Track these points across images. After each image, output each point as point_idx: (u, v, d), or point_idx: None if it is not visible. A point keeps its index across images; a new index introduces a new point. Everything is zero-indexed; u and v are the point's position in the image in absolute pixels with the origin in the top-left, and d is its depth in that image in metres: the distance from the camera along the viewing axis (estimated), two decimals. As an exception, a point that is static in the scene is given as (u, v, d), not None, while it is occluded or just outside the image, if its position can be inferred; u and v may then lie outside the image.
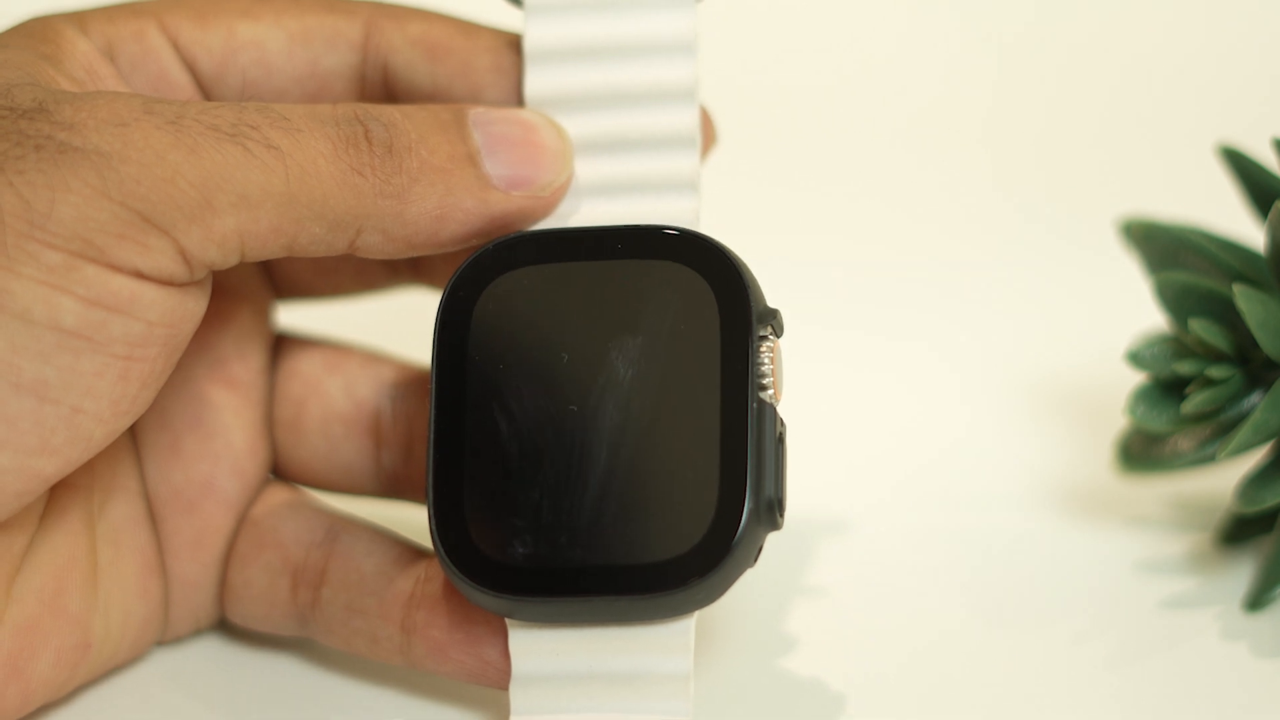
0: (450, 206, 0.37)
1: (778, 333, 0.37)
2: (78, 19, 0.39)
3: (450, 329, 0.38)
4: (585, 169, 0.39)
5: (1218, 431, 0.44)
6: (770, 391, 0.36)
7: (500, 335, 0.38)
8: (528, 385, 0.37)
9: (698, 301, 0.37)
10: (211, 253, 0.35)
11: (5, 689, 0.37)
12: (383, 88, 0.41)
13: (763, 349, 0.37)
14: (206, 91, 0.40)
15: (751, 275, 0.37)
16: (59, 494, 0.38)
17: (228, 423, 0.41)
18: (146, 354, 0.35)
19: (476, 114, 0.38)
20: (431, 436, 0.37)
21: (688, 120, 0.39)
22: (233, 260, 0.36)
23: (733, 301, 0.37)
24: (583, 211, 0.39)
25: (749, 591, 0.40)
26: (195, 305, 0.36)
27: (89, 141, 0.35)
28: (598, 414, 0.37)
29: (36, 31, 0.38)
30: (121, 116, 0.35)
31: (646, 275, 0.37)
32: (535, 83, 0.40)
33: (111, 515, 0.40)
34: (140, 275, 0.35)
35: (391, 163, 0.37)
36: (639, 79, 0.39)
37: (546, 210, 0.39)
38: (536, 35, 0.40)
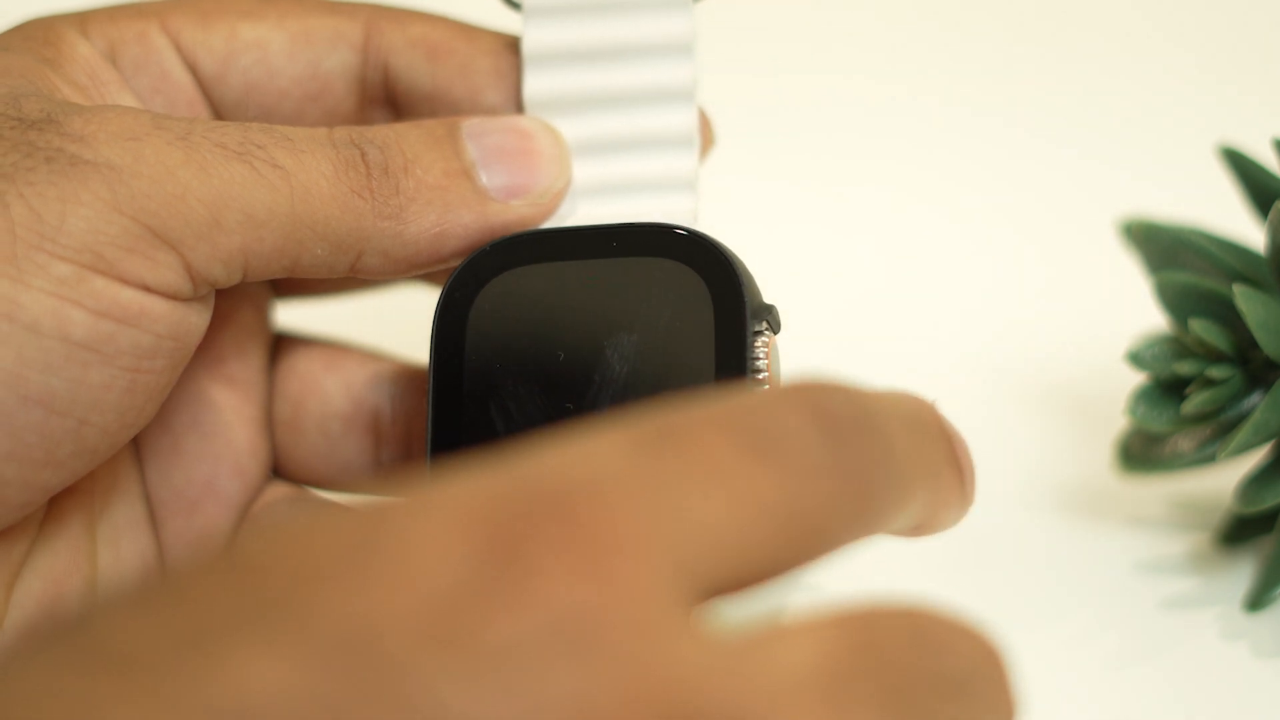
0: (450, 223, 0.37)
1: (774, 328, 0.37)
2: (79, 21, 0.39)
3: (447, 330, 0.38)
4: (585, 171, 0.39)
5: (1218, 431, 0.44)
6: (766, 386, 0.36)
7: (496, 335, 0.38)
8: (524, 384, 0.37)
9: (693, 297, 0.37)
10: (216, 270, 0.35)
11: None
12: (383, 89, 0.41)
13: (758, 344, 0.37)
14: (208, 92, 0.40)
15: (747, 271, 0.37)
16: (59, 499, 0.38)
17: (228, 422, 0.41)
18: (153, 366, 0.35)
19: (470, 126, 0.38)
20: (429, 437, 0.37)
21: (686, 120, 0.39)
22: (235, 279, 0.36)
23: (727, 297, 0.37)
24: (581, 213, 0.39)
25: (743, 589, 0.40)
26: (199, 319, 0.36)
27: (100, 155, 0.35)
28: (593, 412, 0.37)
29: (38, 34, 0.38)
30: (132, 131, 0.35)
31: (641, 272, 0.37)
32: (534, 85, 0.40)
33: (112, 518, 0.39)
34: (147, 289, 0.35)
35: (388, 184, 0.37)
36: (637, 80, 0.39)
37: (546, 216, 0.39)
38: (535, 38, 0.40)
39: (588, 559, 0.24)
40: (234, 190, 0.35)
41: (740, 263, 0.37)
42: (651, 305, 0.37)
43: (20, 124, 0.35)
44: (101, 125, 0.35)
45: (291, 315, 0.44)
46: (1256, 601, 0.43)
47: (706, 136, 0.40)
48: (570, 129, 0.39)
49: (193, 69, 0.40)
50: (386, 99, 0.41)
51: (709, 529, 0.25)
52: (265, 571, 0.24)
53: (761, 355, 0.37)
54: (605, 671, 0.23)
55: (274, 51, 0.40)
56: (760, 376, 0.36)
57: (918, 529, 0.31)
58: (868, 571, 0.45)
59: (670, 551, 0.25)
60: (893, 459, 0.28)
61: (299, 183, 0.36)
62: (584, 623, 0.24)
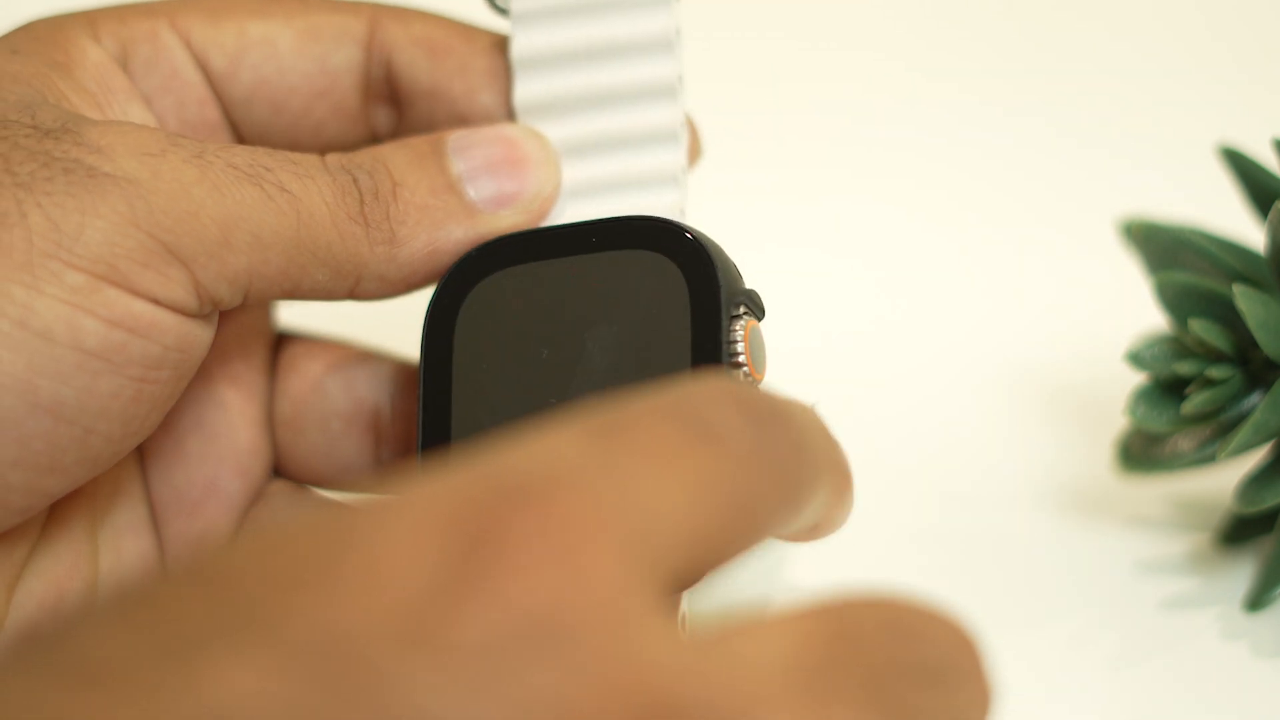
0: (441, 240, 0.38)
1: (755, 313, 0.37)
2: (89, 22, 0.39)
3: (436, 335, 0.38)
4: (575, 171, 0.40)
5: (1218, 431, 0.44)
6: (745, 369, 0.36)
7: (483, 336, 0.38)
8: (510, 383, 0.38)
9: (669, 286, 0.37)
10: (222, 289, 0.36)
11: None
12: (386, 85, 0.41)
13: (735, 328, 0.37)
14: (218, 90, 0.40)
15: (724, 256, 0.37)
16: (62, 502, 0.38)
17: (232, 422, 0.41)
18: (160, 377, 0.36)
19: (455, 140, 0.39)
20: (419, 437, 0.38)
21: (670, 116, 0.40)
22: (237, 300, 0.36)
23: (702, 283, 0.37)
24: (570, 213, 0.40)
25: (739, 589, 0.40)
26: (204, 334, 0.36)
27: (119, 168, 0.35)
28: (576, 405, 0.37)
29: (47, 37, 0.38)
30: (149, 146, 0.35)
31: (620, 265, 0.38)
32: (524, 90, 0.40)
33: (114, 520, 0.40)
34: (157, 303, 0.35)
35: (379, 209, 0.37)
36: (621, 79, 0.40)
37: (538, 221, 0.39)
38: (522, 43, 0.40)
39: (554, 551, 0.24)
40: (244, 211, 0.35)
41: (716, 248, 0.37)
42: (631, 296, 0.37)
43: (36, 132, 0.35)
44: (119, 138, 0.35)
45: (292, 314, 0.45)
46: (1256, 601, 0.43)
47: (695, 146, 0.41)
48: (559, 131, 0.40)
49: (203, 67, 0.40)
50: (389, 95, 0.41)
51: (663, 511, 0.25)
52: (241, 579, 0.24)
53: (739, 339, 0.37)
54: (580, 669, 0.23)
55: (283, 48, 0.40)
56: (738, 359, 0.37)
57: (815, 529, 0.31)
58: (865, 572, 0.45)
59: (631, 534, 0.25)
60: (806, 450, 0.28)
61: (304, 207, 0.36)
62: (555, 619, 0.23)
